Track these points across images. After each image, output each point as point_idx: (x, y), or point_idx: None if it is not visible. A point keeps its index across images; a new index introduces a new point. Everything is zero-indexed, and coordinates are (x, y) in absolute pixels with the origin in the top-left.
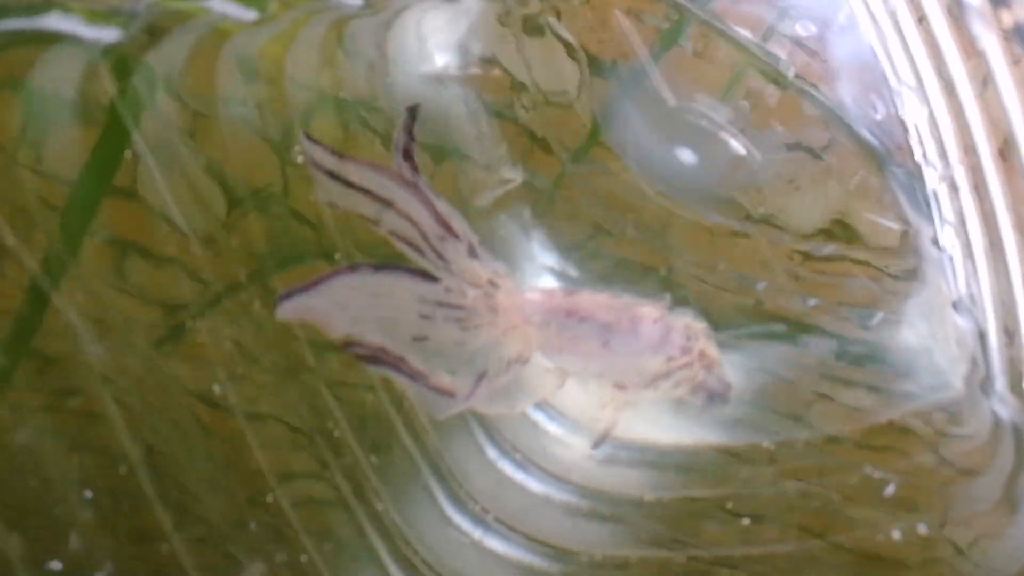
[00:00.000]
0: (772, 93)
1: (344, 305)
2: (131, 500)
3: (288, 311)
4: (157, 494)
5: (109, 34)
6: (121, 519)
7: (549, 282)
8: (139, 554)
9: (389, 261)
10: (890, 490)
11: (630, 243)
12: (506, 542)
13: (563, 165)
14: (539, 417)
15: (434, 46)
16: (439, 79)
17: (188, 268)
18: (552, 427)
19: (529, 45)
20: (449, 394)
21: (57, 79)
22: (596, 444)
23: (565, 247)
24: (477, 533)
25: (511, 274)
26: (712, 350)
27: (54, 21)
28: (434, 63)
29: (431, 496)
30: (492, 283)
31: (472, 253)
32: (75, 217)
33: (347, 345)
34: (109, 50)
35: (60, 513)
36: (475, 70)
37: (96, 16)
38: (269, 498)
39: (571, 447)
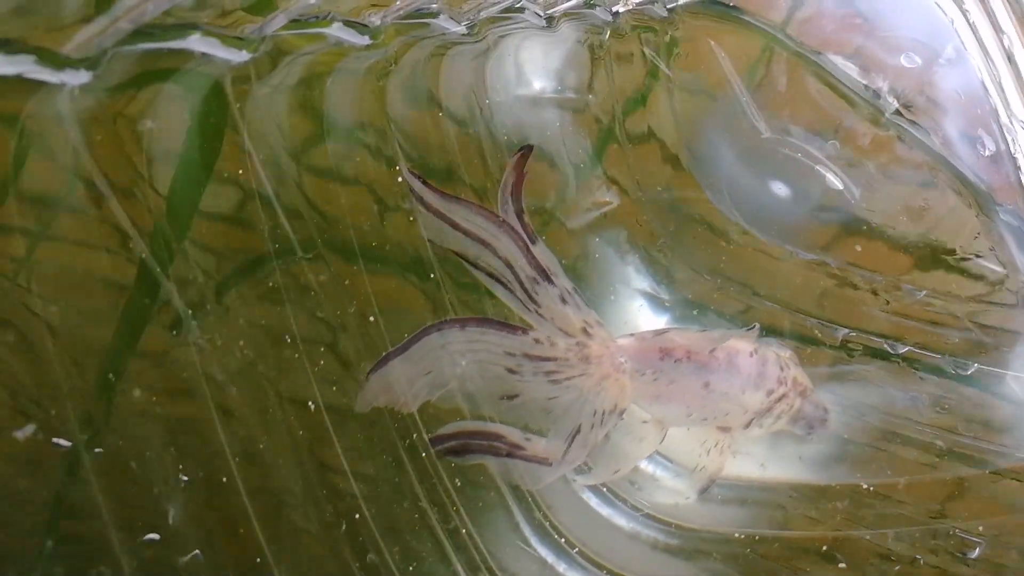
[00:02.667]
0: (866, 131)
1: (428, 368)
2: (224, 494)
3: (370, 391)
4: (248, 491)
5: (239, 56)
6: (213, 510)
7: (641, 305)
8: (228, 546)
9: (475, 317)
10: (976, 553)
11: (712, 276)
12: None
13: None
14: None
15: (531, 72)
16: (535, 102)
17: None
18: (650, 468)
19: (620, 77)
20: (544, 461)
21: (189, 93)
22: (702, 490)
23: (659, 272)
24: (562, 566)
25: (601, 321)
26: (803, 376)
27: (195, 43)
28: (531, 87)
29: (514, 524)
30: (585, 331)
31: (564, 300)
32: (182, 208)
33: (433, 441)
34: (236, 71)
35: (159, 491)
36: (570, 95)
37: (229, 40)
38: (356, 515)
39: (670, 490)
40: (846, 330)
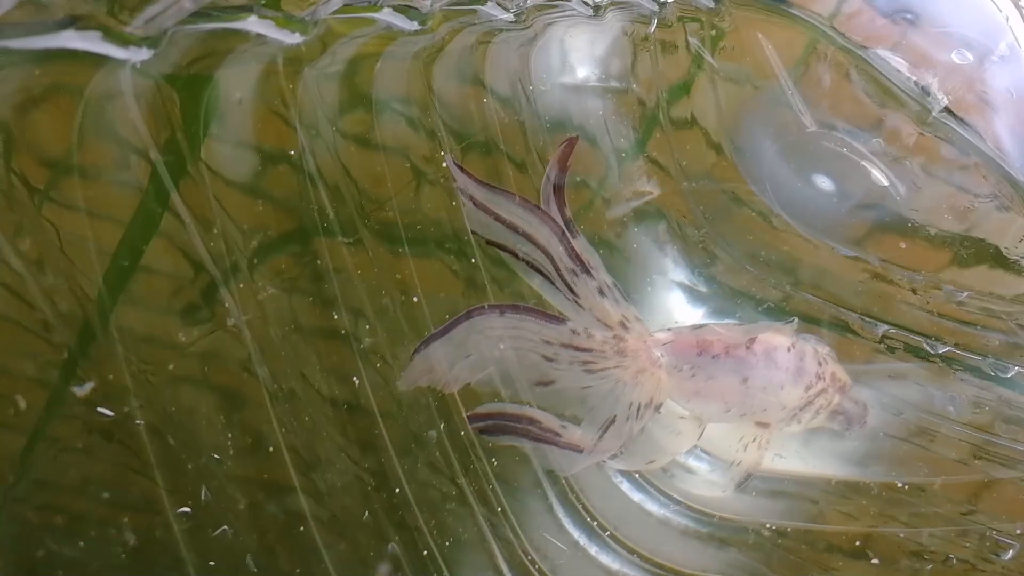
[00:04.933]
0: (912, 129)
1: (468, 351)
2: (267, 468)
3: (413, 371)
4: (292, 463)
5: (292, 39)
6: (249, 487)
7: (678, 296)
8: (263, 523)
9: (514, 304)
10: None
11: (754, 267)
12: (621, 560)
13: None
14: None
15: (576, 60)
16: (578, 90)
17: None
18: (686, 459)
19: (665, 66)
20: (576, 449)
21: (243, 74)
22: (740, 484)
23: (697, 263)
24: (593, 548)
25: (639, 316)
26: (842, 372)
27: (251, 24)
28: (575, 75)
29: (549, 506)
30: (623, 324)
31: (603, 292)
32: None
33: (470, 419)
34: (288, 52)
35: (193, 469)
36: (614, 83)
37: (283, 22)
38: (397, 490)
39: (707, 483)
40: (886, 326)
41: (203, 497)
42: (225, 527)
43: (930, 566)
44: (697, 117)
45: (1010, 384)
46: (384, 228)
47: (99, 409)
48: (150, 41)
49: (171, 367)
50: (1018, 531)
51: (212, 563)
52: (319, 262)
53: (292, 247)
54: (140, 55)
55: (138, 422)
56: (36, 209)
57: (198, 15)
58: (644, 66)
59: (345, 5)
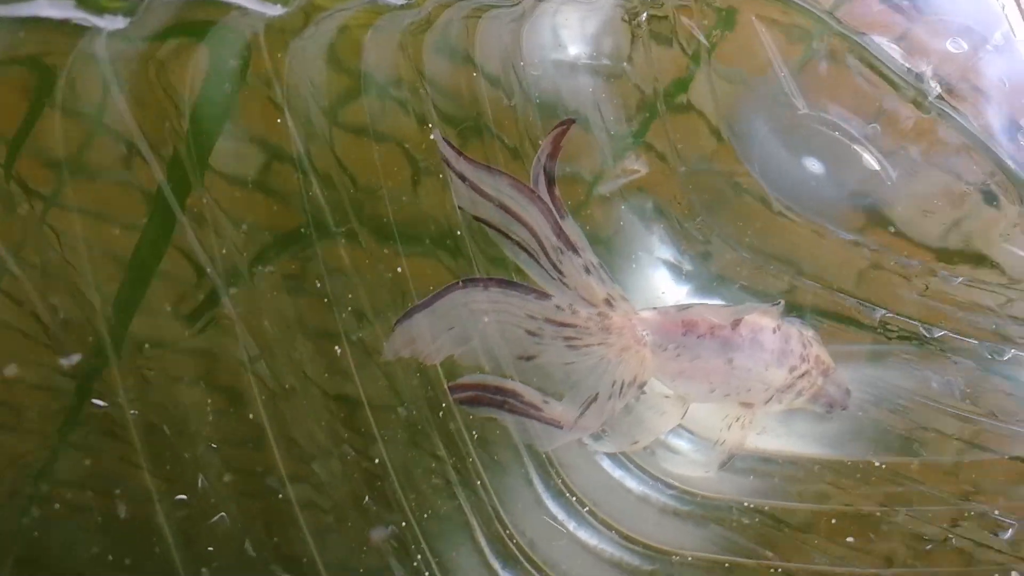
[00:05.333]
0: (909, 115)
1: (451, 323)
2: (254, 454)
3: (396, 342)
4: (275, 437)
5: (273, 10)
6: (242, 475)
7: (663, 275)
8: (256, 508)
9: (498, 278)
10: (1009, 535)
11: (747, 251)
12: (599, 536)
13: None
14: None
15: (567, 37)
16: (570, 67)
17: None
18: (669, 439)
19: (658, 50)
20: (557, 424)
21: (226, 45)
22: (722, 465)
23: (683, 242)
24: (571, 524)
25: (625, 296)
26: (826, 355)
27: None
28: (566, 52)
29: (529, 482)
30: (608, 302)
31: (589, 271)
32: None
33: (451, 389)
34: (271, 24)
35: (189, 458)
36: (606, 61)
37: None
38: (376, 460)
39: (690, 462)
40: (883, 311)
41: (200, 485)
42: (223, 514)
43: (929, 547)
44: (692, 100)
45: (1005, 368)
46: (374, 218)
47: (94, 401)
48: (126, 8)
49: (165, 359)
50: (1003, 511)
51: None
52: (307, 250)
53: (278, 238)
54: (115, 23)
55: (132, 412)
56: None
57: None
58: (638, 47)
59: None
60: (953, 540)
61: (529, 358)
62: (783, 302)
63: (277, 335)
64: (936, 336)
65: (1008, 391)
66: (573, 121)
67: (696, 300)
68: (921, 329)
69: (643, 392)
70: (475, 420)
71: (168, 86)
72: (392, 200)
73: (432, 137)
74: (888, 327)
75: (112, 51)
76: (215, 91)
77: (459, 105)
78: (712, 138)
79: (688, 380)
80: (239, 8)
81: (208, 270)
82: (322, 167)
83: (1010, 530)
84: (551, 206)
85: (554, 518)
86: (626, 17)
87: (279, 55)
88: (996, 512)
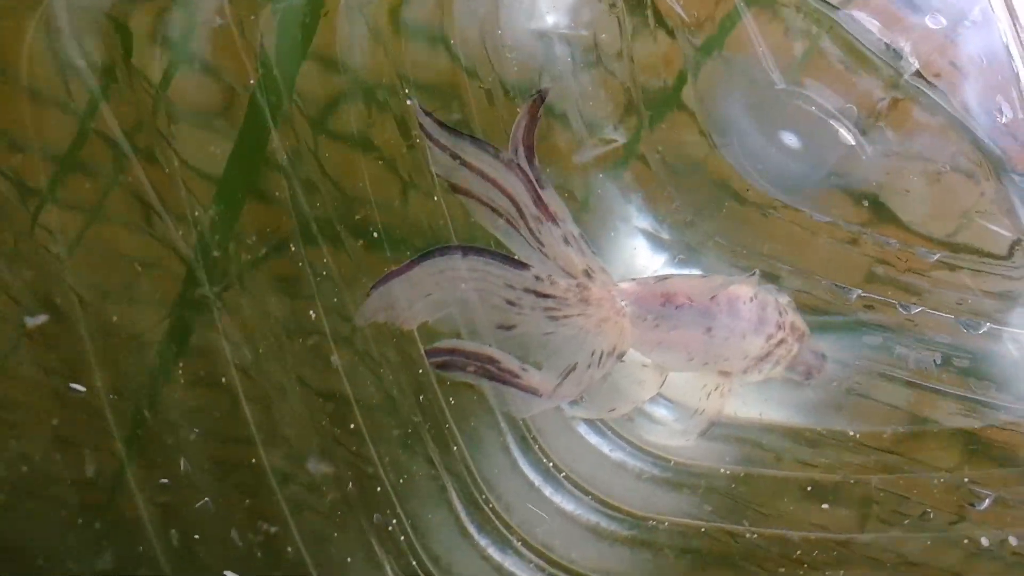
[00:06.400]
0: (884, 94)
1: (428, 290)
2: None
3: (371, 306)
4: (247, 398)
5: None
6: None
7: (641, 244)
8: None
9: (477, 246)
10: (985, 505)
11: (721, 236)
12: (576, 501)
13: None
14: None
15: (546, 6)
16: (547, 35)
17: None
18: (649, 408)
19: (633, 16)
20: (534, 392)
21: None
22: (702, 433)
23: (661, 213)
24: (548, 489)
25: (605, 268)
26: (800, 321)
27: None
28: (544, 21)
29: (505, 446)
30: (587, 273)
31: (568, 242)
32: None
33: (428, 353)
34: None
35: (171, 442)
36: (583, 31)
37: None
38: (352, 425)
39: (670, 431)
40: (858, 291)
41: (182, 469)
42: (207, 499)
43: (907, 521)
44: (664, 72)
45: (981, 342)
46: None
47: (72, 385)
48: None
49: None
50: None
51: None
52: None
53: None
54: None
55: (111, 396)
56: None
57: None
58: (613, 21)
59: None
60: (931, 513)
61: (508, 327)
62: (758, 272)
63: (254, 307)
64: (913, 313)
65: (984, 365)
66: (548, 90)
67: (674, 270)
68: (899, 307)
69: (622, 361)
70: (451, 385)
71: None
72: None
73: (409, 103)
74: (865, 306)
75: (71, 8)
76: (181, 55)
77: (435, 78)
78: (680, 111)
79: (666, 350)
80: None
81: (193, 266)
82: (295, 145)
83: (987, 500)
84: (531, 175)
85: (530, 482)
86: None
87: (250, 17)
88: (966, 480)
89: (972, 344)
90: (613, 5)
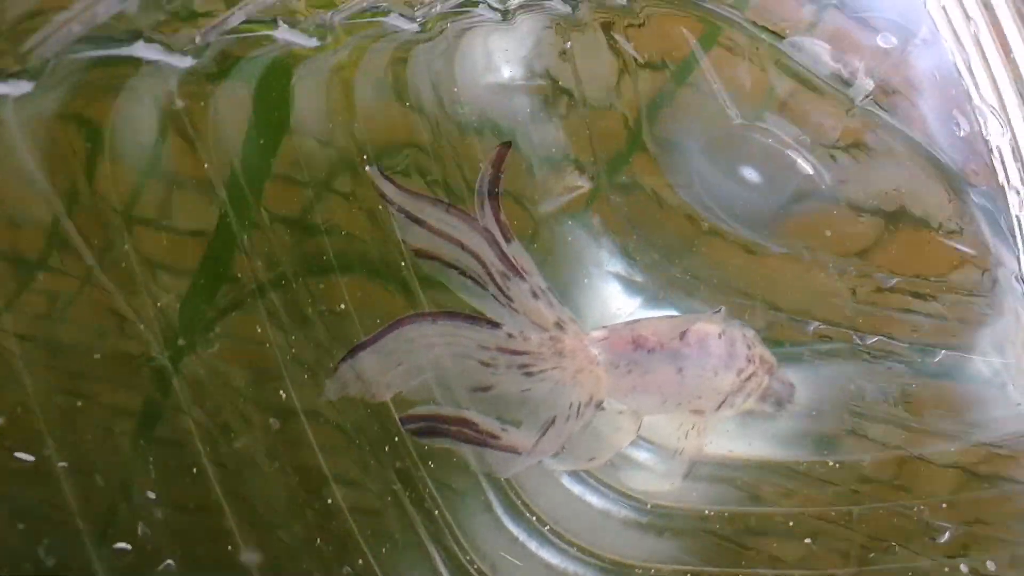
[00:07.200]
0: (835, 123)
1: (400, 359)
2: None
3: (340, 380)
4: (220, 485)
5: (184, 61)
6: (186, 522)
7: (615, 288)
8: (201, 553)
9: (447, 311)
10: (945, 538)
11: (679, 270)
12: (562, 555)
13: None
14: None
15: (501, 60)
16: (505, 88)
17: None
18: (631, 452)
19: (586, 64)
20: (514, 450)
21: (141, 99)
22: (686, 475)
23: (630, 256)
24: (533, 544)
25: (575, 318)
26: (767, 354)
27: (140, 49)
28: (501, 75)
29: (487, 505)
30: (558, 325)
31: (536, 295)
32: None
33: (403, 421)
34: (184, 76)
35: (124, 509)
36: (540, 82)
37: (173, 45)
38: (329, 500)
39: (654, 475)
40: (816, 323)
41: (140, 533)
42: (170, 561)
43: (872, 554)
44: (622, 115)
45: (938, 369)
46: (309, 256)
47: (16, 454)
48: (30, 73)
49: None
50: (943, 506)
51: None
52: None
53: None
54: (19, 88)
55: (61, 464)
56: None
57: (83, 41)
58: (568, 67)
59: (242, 24)
60: (897, 548)
61: (485, 389)
62: (724, 308)
63: (220, 386)
64: (869, 343)
65: (940, 392)
66: (510, 144)
67: (649, 311)
68: (854, 337)
69: (601, 410)
70: (429, 448)
71: (81, 148)
72: (331, 238)
73: (368, 170)
74: (822, 338)
75: (20, 117)
76: (133, 148)
77: (393, 138)
78: (638, 151)
79: (640, 394)
80: (151, 63)
81: (141, 327)
82: (254, 220)
83: (947, 532)
84: (494, 232)
85: (514, 538)
86: (553, 33)
87: (200, 105)
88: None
89: (933, 371)
90: (563, 53)
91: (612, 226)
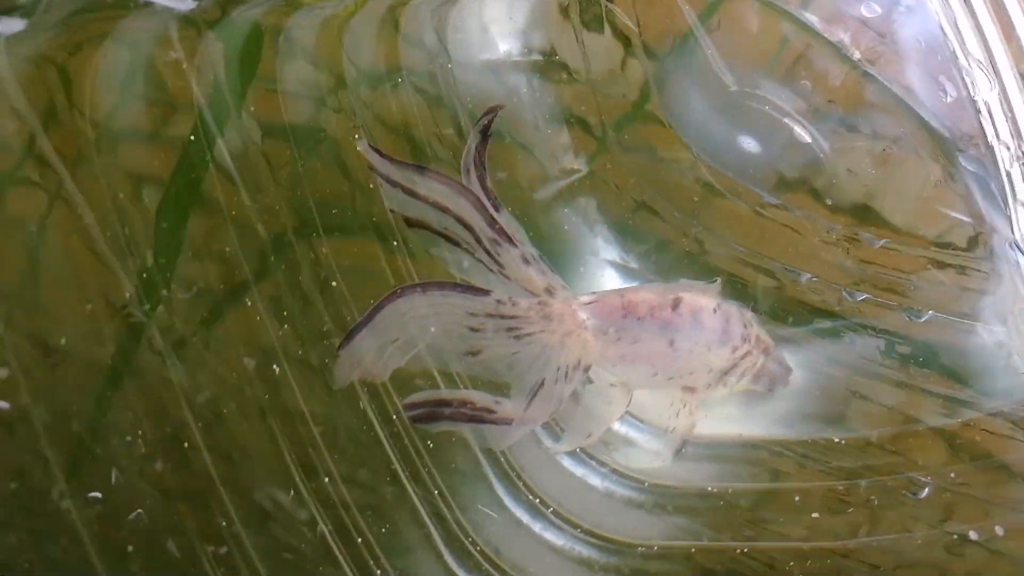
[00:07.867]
0: (837, 73)
1: (395, 335)
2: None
3: (343, 366)
4: (211, 454)
5: (184, 4)
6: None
7: (611, 275)
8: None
9: (435, 281)
10: (924, 494)
11: (671, 225)
12: (563, 535)
13: (605, 143)
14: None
15: (496, 34)
16: (500, 67)
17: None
18: (623, 430)
19: (587, 34)
20: (507, 421)
21: (134, 42)
22: (676, 452)
23: (629, 239)
24: (536, 525)
25: (566, 285)
26: (764, 334)
27: None
28: (496, 51)
29: (489, 486)
30: (548, 291)
31: (527, 261)
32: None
33: (405, 408)
34: (182, 19)
35: (102, 452)
36: (537, 57)
37: None
38: (325, 479)
39: (646, 452)
40: (808, 275)
41: (113, 481)
42: (140, 511)
43: (851, 509)
44: (629, 87)
45: (929, 333)
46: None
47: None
48: (23, 10)
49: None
50: (952, 475)
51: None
52: (228, 249)
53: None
54: (12, 26)
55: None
56: None
57: None
58: (567, 39)
59: None
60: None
61: (474, 353)
62: (720, 280)
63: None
64: (858, 300)
65: (931, 358)
66: (500, 106)
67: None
68: (844, 293)
69: (590, 381)
70: (429, 432)
71: (71, 88)
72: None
73: (356, 139)
74: (813, 291)
75: (12, 56)
76: (124, 92)
77: (386, 108)
78: (652, 122)
79: (630, 364)
80: (146, 4)
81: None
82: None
83: (926, 489)
84: (483, 198)
85: (516, 519)
86: (555, 4)
87: (195, 48)
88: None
89: (923, 335)
90: (566, 16)
91: (608, 210)
